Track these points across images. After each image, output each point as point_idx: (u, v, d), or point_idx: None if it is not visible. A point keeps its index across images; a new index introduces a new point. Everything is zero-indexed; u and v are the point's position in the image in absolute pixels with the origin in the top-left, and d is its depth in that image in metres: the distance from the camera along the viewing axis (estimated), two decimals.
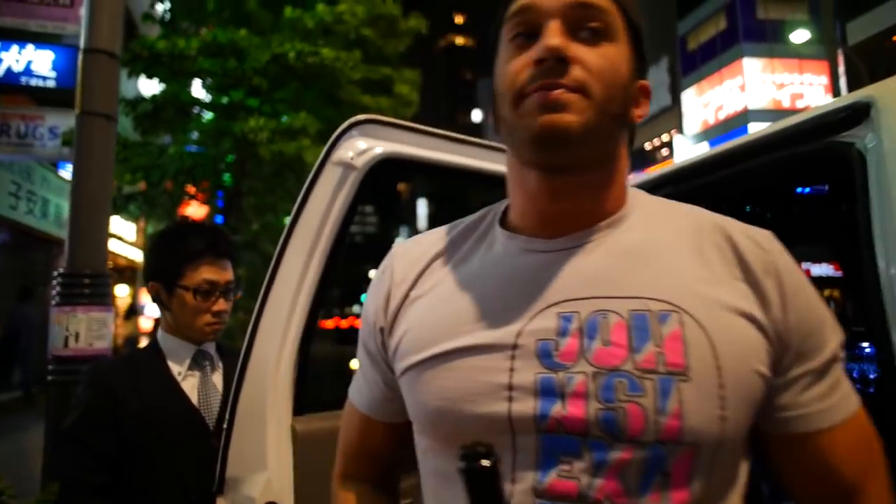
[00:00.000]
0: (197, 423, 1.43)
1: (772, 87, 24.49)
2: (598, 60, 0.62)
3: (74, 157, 2.82)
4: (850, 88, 21.16)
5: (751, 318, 0.61)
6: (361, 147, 1.26)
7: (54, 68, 8.26)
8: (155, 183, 7.50)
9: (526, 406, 0.59)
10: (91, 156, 2.77)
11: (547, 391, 0.59)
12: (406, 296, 0.72)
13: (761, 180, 1.48)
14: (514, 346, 0.62)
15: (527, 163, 0.67)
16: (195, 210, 9.79)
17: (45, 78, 8.21)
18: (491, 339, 0.63)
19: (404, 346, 0.69)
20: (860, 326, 2.37)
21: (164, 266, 1.49)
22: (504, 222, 0.74)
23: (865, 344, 2.22)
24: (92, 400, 1.39)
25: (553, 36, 0.61)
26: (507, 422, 0.60)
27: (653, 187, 1.70)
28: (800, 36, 19.62)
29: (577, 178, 0.65)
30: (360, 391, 0.81)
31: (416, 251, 0.76)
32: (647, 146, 31.67)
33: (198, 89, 8.87)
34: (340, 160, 1.24)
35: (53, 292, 2.65)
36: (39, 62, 8.24)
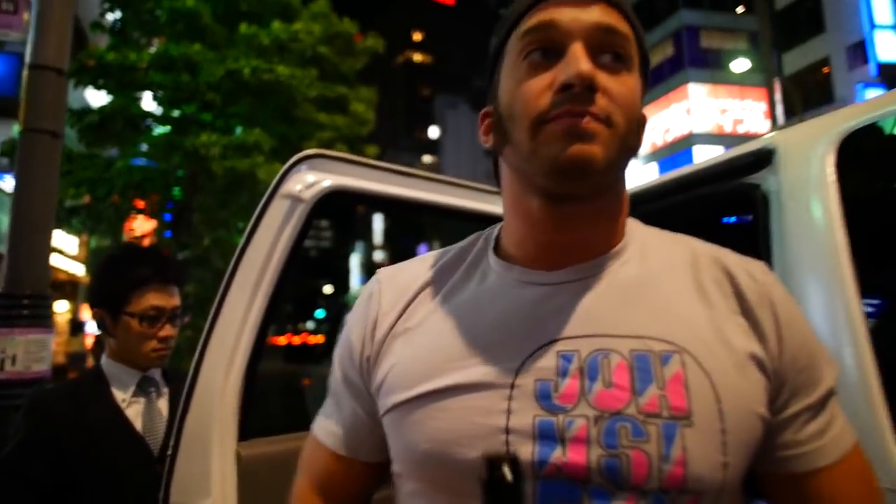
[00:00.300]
0: (142, 450, 1.42)
1: (715, 112, 25.60)
2: (621, 89, 0.59)
3: (16, 174, 2.74)
4: (787, 115, 22.43)
5: (752, 357, 0.58)
6: (310, 180, 1.31)
7: None
8: (101, 197, 7.28)
9: (524, 451, 0.55)
10: (34, 174, 2.70)
11: (546, 435, 0.55)
12: (393, 326, 0.68)
13: (686, 213, 1.60)
14: (512, 386, 0.58)
15: (537, 189, 0.62)
16: (142, 224, 9.54)
17: None
18: (487, 377, 0.59)
19: (391, 381, 0.64)
20: None
21: (110, 292, 1.49)
22: (497, 249, 0.70)
23: None
24: (30, 430, 1.36)
25: (582, 61, 0.57)
26: None
27: None
28: (740, 65, 20.71)
29: (586, 206, 0.62)
30: (332, 426, 0.73)
31: (404, 278, 0.71)
32: None
33: (148, 102, 8.69)
34: (289, 193, 1.29)
35: None
36: None
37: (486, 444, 0.56)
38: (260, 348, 1.30)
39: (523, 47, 0.61)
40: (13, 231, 2.68)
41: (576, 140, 0.56)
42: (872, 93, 18.32)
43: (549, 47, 0.60)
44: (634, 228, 0.69)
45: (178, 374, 1.59)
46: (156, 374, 1.54)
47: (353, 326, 0.72)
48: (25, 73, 2.81)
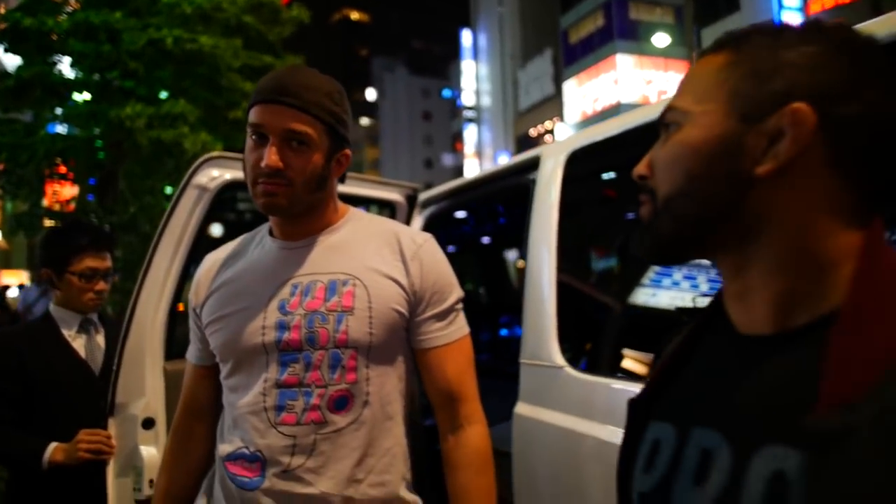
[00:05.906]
0: (86, 371, 1.89)
1: (641, 83, 26.40)
2: (301, 163, 1.02)
3: None
4: None
5: (396, 281, 1.07)
6: (214, 174, 1.80)
7: None
8: (23, 164, 7.21)
9: (271, 337, 1.04)
10: None
11: (281, 326, 1.04)
12: (209, 287, 1.15)
13: (498, 198, 2.20)
14: (266, 306, 1.06)
15: None
16: (66, 190, 9.41)
17: None
18: (256, 303, 1.07)
19: (210, 311, 1.12)
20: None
21: (55, 256, 1.91)
22: (271, 232, 1.16)
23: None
24: (1, 359, 1.81)
25: (270, 155, 0.99)
26: (262, 347, 1.04)
27: (439, 199, 2.39)
28: (661, 39, 21.63)
29: (295, 217, 1.09)
30: (193, 349, 1.22)
31: (218, 256, 1.18)
32: (532, 132, 33.00)
33: (67, 67, 8.49)
34: (198, 184, 1.78)
35: None
36: None
37: (254, 337, 1.04)
38: (179, 294, 1.81)
39: (250, 131, 1.04)
40: None
41: (265, 197, 1.03)
42: None
43: (261, 135, 1.03)
44: (352, 215, 1.17)
45: (110, 319, 2.07)
46: (94, 316, 1.99)
47: (192, 290, 1.19)
48: None
